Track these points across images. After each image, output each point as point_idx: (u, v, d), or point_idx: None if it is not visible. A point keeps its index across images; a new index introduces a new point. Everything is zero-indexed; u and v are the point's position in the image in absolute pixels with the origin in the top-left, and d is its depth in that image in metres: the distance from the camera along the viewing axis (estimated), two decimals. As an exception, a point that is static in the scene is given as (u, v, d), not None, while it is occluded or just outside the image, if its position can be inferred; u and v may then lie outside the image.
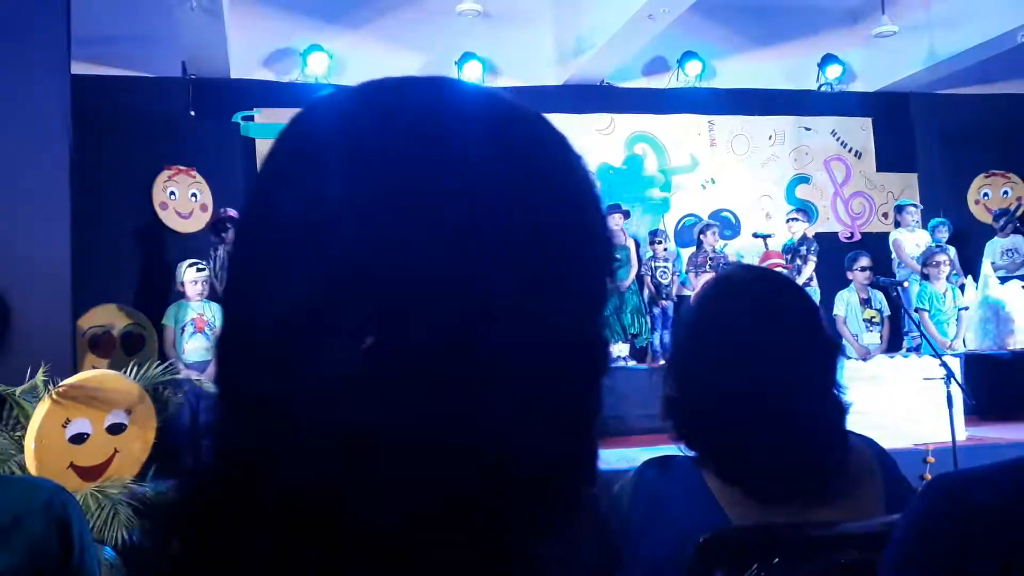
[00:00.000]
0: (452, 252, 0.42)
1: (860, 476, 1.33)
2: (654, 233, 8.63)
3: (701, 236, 8.44)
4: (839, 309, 7.64)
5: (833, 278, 8.13)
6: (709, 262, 8.15)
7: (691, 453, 1.32)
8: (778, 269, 7.58)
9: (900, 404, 6.23)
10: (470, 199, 0.44)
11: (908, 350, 7.46)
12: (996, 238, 8.82)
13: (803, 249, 8.28)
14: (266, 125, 8.47)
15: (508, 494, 0.43)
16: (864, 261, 7.64)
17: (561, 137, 0.51)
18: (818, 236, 8.78)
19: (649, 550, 1.26)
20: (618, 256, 8.12)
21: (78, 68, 5.86)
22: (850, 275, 7.66)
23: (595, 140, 9.45)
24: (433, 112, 0.47)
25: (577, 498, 0.46)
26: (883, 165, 10.09)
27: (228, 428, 0.45)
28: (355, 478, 0.40)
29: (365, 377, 0.41)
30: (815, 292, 8.09)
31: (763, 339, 1.26)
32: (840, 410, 1.30)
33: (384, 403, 0.40)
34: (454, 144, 0.45)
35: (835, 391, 1.29)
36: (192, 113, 8.44)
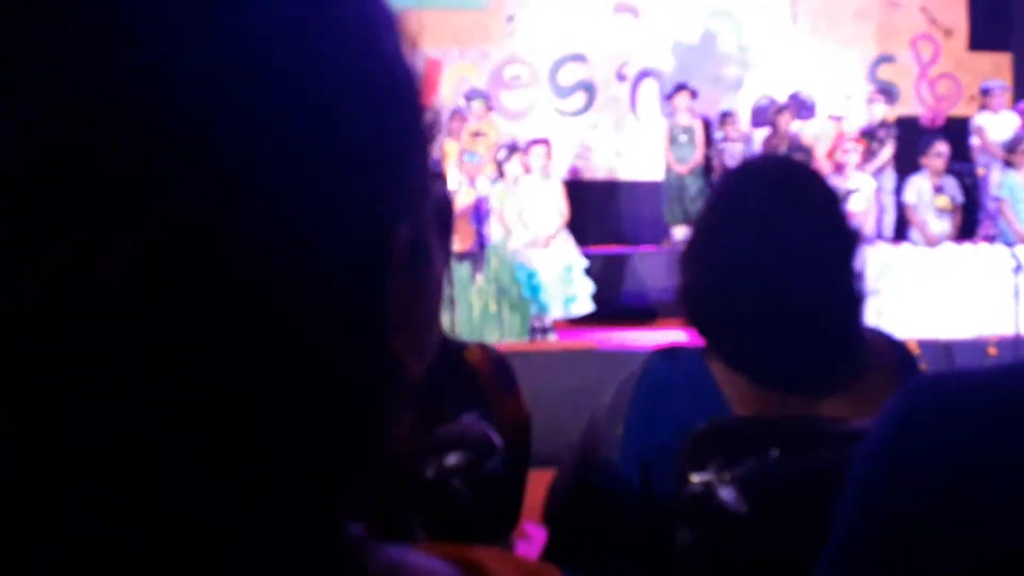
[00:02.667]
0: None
1: (874, 370, 1.29)
2: (725, 114, 8.45)
3: (776, 117, 8.23)
4: (910, 196, 7.40)
5: (912, 165, 7.89)
6: (784, 145, 7.98)
7: (700, 345, 1.30)
8: (853, 153, 7.41)
9: (966, 294, 6.15)
10: None
11: (982, 239, 7.28)
12: None
13: (881, 133, 8.03)
14: None
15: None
16: (940, 147, 7.36)
17: None
18: (899, 120, 8.47)
19: (648, 439, 1.25)
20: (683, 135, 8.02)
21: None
22: (924, 161, 7.40)
23: (670, 15, 9.22)
24: None
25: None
26: (976, 44, 9.61)
27: None
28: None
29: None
30: (891, 177, 7.90)
31: (781, 225, 1.25)
32: (856, 300, 1.28)
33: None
34: None
35: (852, 281, 1.28)
36: None
